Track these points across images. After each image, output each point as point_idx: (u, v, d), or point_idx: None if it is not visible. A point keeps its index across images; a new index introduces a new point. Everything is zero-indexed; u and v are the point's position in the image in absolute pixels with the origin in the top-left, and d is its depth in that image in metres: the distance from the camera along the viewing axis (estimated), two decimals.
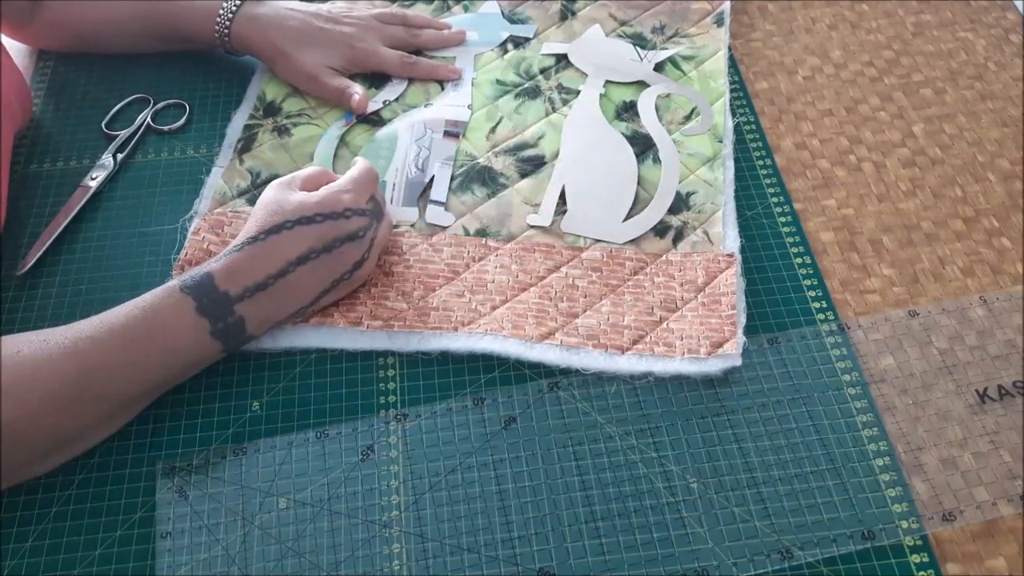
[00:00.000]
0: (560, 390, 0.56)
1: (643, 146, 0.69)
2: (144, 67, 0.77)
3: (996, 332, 0.58)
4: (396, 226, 0.65)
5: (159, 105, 0.74)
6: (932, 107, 0.73)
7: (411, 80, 0.75)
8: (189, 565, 0.50)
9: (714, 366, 0.56)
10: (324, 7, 0.76)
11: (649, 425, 0.54)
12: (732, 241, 0.63)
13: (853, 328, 0.59)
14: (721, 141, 0.69)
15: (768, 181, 0.68)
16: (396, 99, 0.74)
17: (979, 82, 0.75)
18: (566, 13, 0.80)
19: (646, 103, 0.72)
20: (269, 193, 0.58)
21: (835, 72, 0.76)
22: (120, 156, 0.70)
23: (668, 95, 0.73)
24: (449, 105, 0.73)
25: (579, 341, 0.58)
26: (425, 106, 0.73)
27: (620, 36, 0.78)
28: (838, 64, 0.77)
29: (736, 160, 0.69)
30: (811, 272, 0.62)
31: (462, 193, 0.67)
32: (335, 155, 0.69)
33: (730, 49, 0.77)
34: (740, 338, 0.57)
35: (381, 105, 0.73)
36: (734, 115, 0.72)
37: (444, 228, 0.65)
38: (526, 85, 0.75)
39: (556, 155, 0.69)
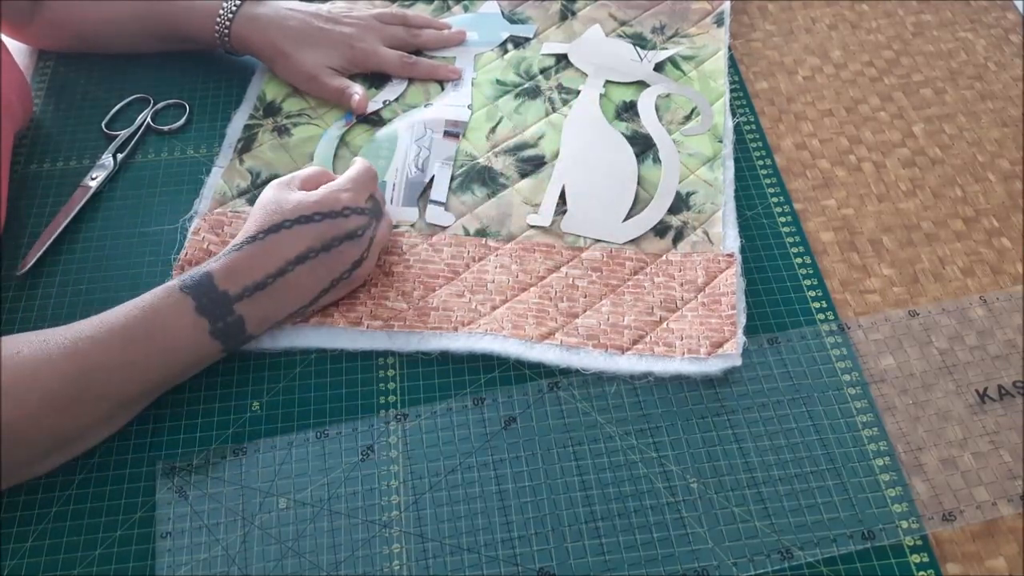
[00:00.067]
0: (560, 390, 0.56)
1: (643, 146, 0.69)
2: (144, 67, 0.77)
3: (996, 332, 0.58)
4: (396, 226, 0.65)
5: (159, 105, 0.74)
6: (932, 107, 0.73)
7: (411, 80, 0.75)
8: (189, 565, 0.50)
9: (714, 366, 0.56)
10: (324, 7, 0.76)
11: (649, 425, 0.54)
12: (732, 241, 0.63)
13: (853, 328, 0.59)
14: (721, 141, 0.69)
15: (768, 181, 0.68)
16: (396, 99, 0.74)
17: (979, 82, 0.75)
18: (566, 13, 0.80)
19: (646, 103, 0.72)
20: (268, 193, 0.58)
21: (835, 72, 0.76)
22: (120, 156, 0.70)
23: (668, 95, 0.73)
24: (449, 105, 0.73)
25: (579, 341, 0.58)
26: (425, 106, 0.73)
27: (620, 36, 0.78)
28: (838, 64, 0.77)
29: (736, 160, 0.69)
30: (811, 272, 0.62)
31: (462, 193, 0.67)
32: (335, 155, 0.69)
33: (730, 49, 0.77)
34: (740, 338, 0.57)
35: (381, 105, 0.73)
36: (734, 115, 0.72)
37: (444, 228, 0.65)
38: (526, 85, 0.75)
39: (556, 155, 0.69)
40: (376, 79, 0.75)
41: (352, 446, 0.54)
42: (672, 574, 0.49)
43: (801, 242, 0.64)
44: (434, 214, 0.65)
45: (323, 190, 0.58)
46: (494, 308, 0.60)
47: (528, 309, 0.59)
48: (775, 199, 0.67)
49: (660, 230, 0.64)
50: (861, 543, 0.50)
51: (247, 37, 0.72)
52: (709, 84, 0.73)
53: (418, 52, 0.77)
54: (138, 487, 0.53)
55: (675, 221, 0.64)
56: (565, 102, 0.73)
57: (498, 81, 0.75)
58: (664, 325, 0.58)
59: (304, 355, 0.58)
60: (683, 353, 0.57)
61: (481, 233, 0.64)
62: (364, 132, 0.71)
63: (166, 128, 0.72)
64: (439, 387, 0.57)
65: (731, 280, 0.60)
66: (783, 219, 0.65)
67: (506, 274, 0.61)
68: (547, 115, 0.72)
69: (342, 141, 0.70)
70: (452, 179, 0.68)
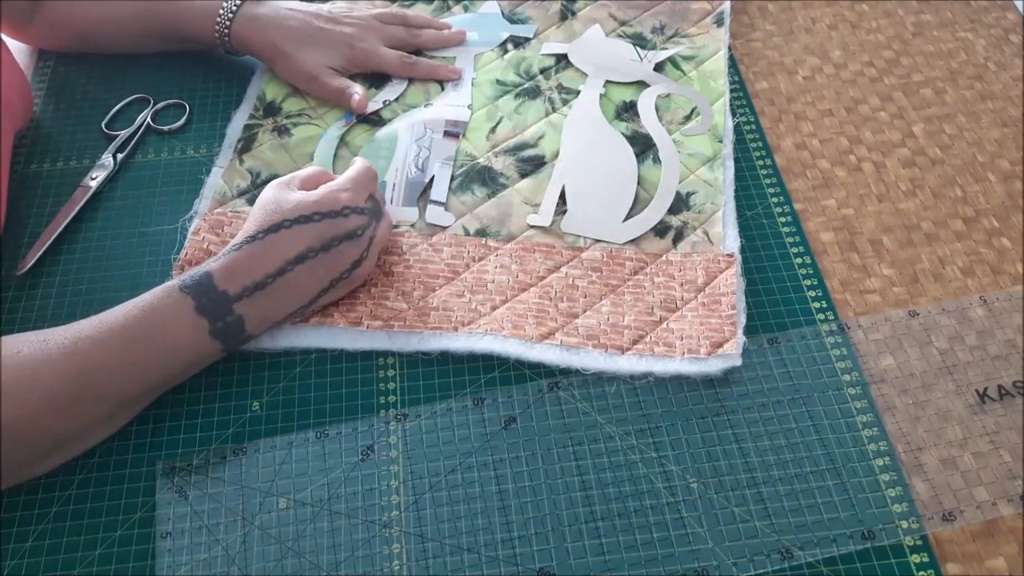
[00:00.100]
0: (560, 390, 0.56)
1: (643, 146, 0.69)
2: (144, 67, 0.77)
3: (996, 332, 0.58)
4: (396, 226, 0.65)
5: (159, 105, 0.74)
6: (932, 107, 0.73)
7: (411, 80, 0.75)
8: (189, 565, 0.50)
9: (714, 366, 0.56)
10: (324, 7, 0.76)
11: (649, 425, 0.54)
12: (732, 241, 0.63)
13: (853, 328, 0.59)
14: (721, 141, 0.69)
15: (768, 181, 0.68)
16: (396, 99, 0.74)
17: (979, 82, 0.75)
18: (566, 13, 0.80)
19: (646, 103, 0.72)
20: (268, 193, 0.58)
21: (835, 72, 0.76)
22: (120, 156, 0.70)
23: (668, 95, 0.73)
24: (449, 105, 0.73)
25: (579, 341, 0.58)
26: (425, 106, 0.73)
27: (620, 36, 0.78)
28: (838, 64, 0.77)
29: (736, 160, 0.69)
30: (811, 272, 0.62)
31: (462, 193, 0.67)
32: (335, 155, 0.69)
33: (730, 49, 0.77)
34: (740, 338, 0.57)
35: (381, 105, 0.73)
36: (734, 115, 0.72)
37: (444, 228, 0.65)
38: (526, 85, 0.75)
39: (556, 155, 0.69)
40: (376, 79, 0.75)
41: (352, 446, 0.54)
42: (672, 574, 0.49)
43: (801, 242, 0.64)
44: (434, 214, 0.65)
45: (322, 190, 0.58)
46: (494, 308, 0.60)
47: (528, 309, 0.59)
48: (775, 199, 0.67)
49: (660, 230, 0.64)
50: (861, 543, 0.50)
51: (247, 37, 0.72)
52: (709, 84, 0.73)
53: (418, 52, 0.77)
54: (138, 487, 0.53)
55: (675, 221, 0.64)
56: (565, 102, 0.73)
57: (498, 81, 0.75)
58: (664, 325, 0.58)
59: (304, 355, 0.58)
60: (683, 353, 0.57)
61: (481, 233, 0.64)
62: (364, 132, 0.71)
63: (166, 128, 0.72)
64: (439, 387, 0.57)
65: (731, 280, 0.60)
66: (783, 219, 0.65)
67: (506, 274, 0.61)
68: (547, 115, 0.72)
69: (342, 141, 0.70)
70: (452, 179, 0.68)
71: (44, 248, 0.63)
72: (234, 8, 0.72)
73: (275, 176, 0.64)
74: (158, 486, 0.53)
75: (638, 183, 0.67)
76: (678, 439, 0.54)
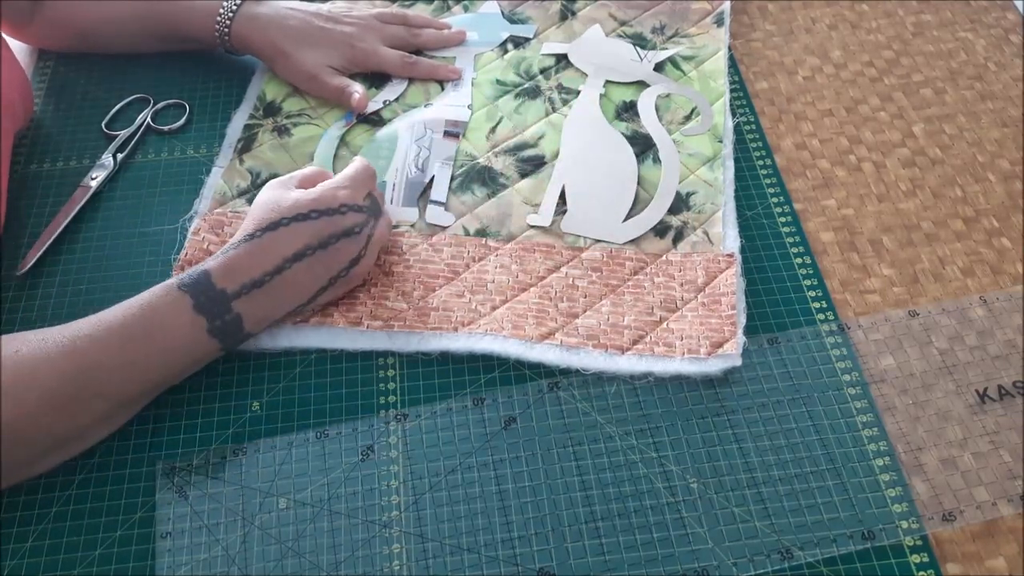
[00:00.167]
0: (560, 390, 0.56)
1: (643, 146, 0.69)
2: (144, 67, 0.77)
3: (996, 332, 0.58)
4: (396, 226, 0.65)
5: (159, 105, 0.74)
6: (932, 107, 0.73)
7: (411, 80, 0.75)
8: (189, 565, 0.50)
9: (714, 366, 0.56)
10: (324, 7, 0.76)
11: (649, 425, 0.54)
12: (732, 241, 0.63)
13: (853, 328, 0.59)
14: (721, 141, 0.69)
15: (768, 181, 0.68)
16: (396, 99, 0.74)
17: (979, 82, 0.75)
18: (566, 13, 0.80)
19: (646, 103, 0.72)
20: (266, 192, 0.58)
21: (835, 72, 0.76)
22: (120, 156, 0.70)
23: (668, 95, 0.73)
24: (449, 105, 0.73)
25: (579, 341, 0.58)
26: (425, 106, 0.73)
27: (620, 36, 0.78)
28: (838, 64, 0.77)
29: (736, 160, 0.69)
30: (811, 272, 0.62)
31: (462, 193, 0.67)
32: (335, 155, 0.69)
33: (730, 49, 0.77)
34: (740, 338, 0.57)
35: (381, 105, 0.73)
36: (734, 115, 0.72)
37: (444, 228, 0.65)
38: (526, 85, 0.75)
39: (556, 155, 0.69)
40: (376, 79, 0.75)
41: (352, 446, 0.54)
42: (672, 574, 0.49)
43: (801, 242, 0.64)
44: (434, 214, 0.65)
45: (320, 188, 0.58)
46: (494, 308, 0.60)
47: (528, 309, 0.59)
48: (775, 199, 0.67)
49: (660, 230, 0.64)
50: (861, 543, 0.50)
51: (247, 37, 0.72)
52: (709, 84, 0.73)
53: (418, 52, 0.77)
54: (138, 487, 0.53)
55: (675, 221, 0.64)
56: (565, 102, 0.73)
57: (498, 81, 0.75)
58: (664, 325, 0.58)
59: (304, 355, 0.58)
60: (683, 353, 0.57)
61: (481, 233, 0.64)
62: (364, 132, 0.71)
63: (166, 128, 0.72)
64: (439, 387, 0.57)
65: (731, 280, 0.60)
66: (783, 219, 0.65)
67: (506, 274, 0.61)
68: (547, 115, 0.72)
69: (342, 141, 0.70)
70: (452, 179, 0.68)
71: (44, 248, 0.63)
72: (234, 8, 0.72)
73: (275, 176, 0.64)
74: (158, 486, 0.53)
75: (638, 183, 0.67)
76: (678, 439, 0.54)
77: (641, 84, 0.74)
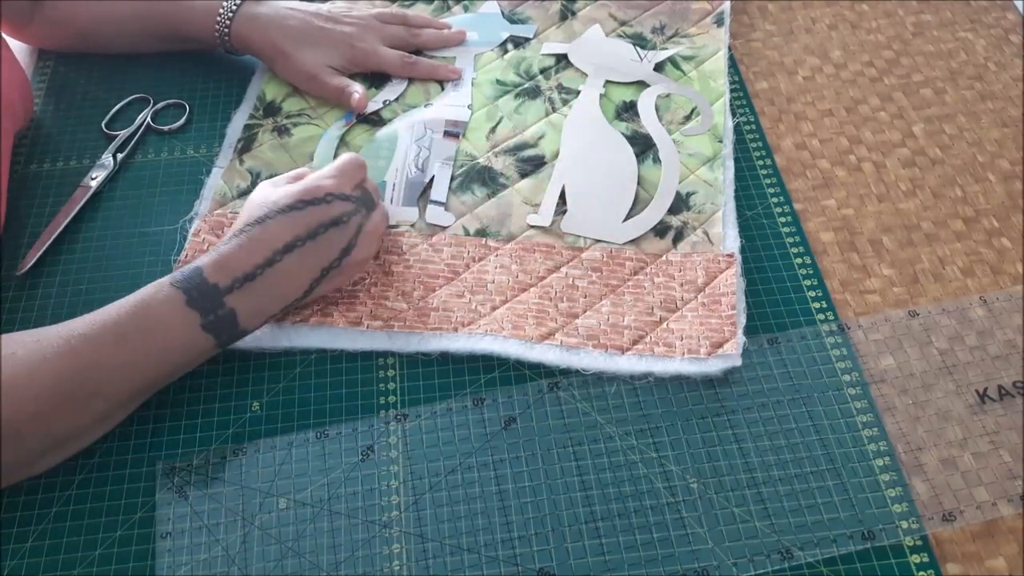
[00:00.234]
0: (560, 390, 0.56)
1: (643, 146, 0.69)
2: (144, 67, 0.77)
3: (996, 332, 0.58)
4: (396, 226, 0.65)
5: (159, 105, 0.74)
6: (932, 107, 0.73)
7: (411, 80, 0.75)
8: (189, 565, 0.50)
9: (714, 366, 0.56)
10: (324, 7, 0.76)
11: (649, 425, 0.54)
12: (732, 241, 0.63)
13: (853, 328, 0.59)
14: (721, 141, 0.69)
15: (768, 181, 0.68)
16: (396, 99, 0.74)
17: (979, 82, 0.75)
18: (566, 13, 0.80)
19: (646, 103, 0.72)
20: (257, 191, 0.59)
21: (835, 72, 0.76)
22: (120, 156, 0.70)
23: (668, 95, 0.73)
24: (449, 105, 0.73)
25: (579, 341, 0.58)
26: (425, 106, 0.73)
27: (620, 36, 0.78)
28: (838, 64, 0.77)
29: (736, 160, 0.69)
30: (811, 272, 0.62)
31: (462, 193, 0.67)
32: (335, 155, 0.69)
33: (730, 49, 0.77)
34: (740, 338, 0.57)
35: (381, 105, 0.73)
36: (734, 115, 0.72)
37: (444, 228, 0.65)
38: (526, 85, 0.75)
39: (556, 155, 0.69)
40: (376, 79, 0.75)
41: (352, 446, 0.54)
42: (672, 574, 0.49)
43: (801, 242, 0.64)
44: (434, 214, 0.65)
45: (306, 180, 0.59)
46: (494, 308, 0.60)
47: (528, 309, 0.59)
48: (775, 199, 0.67)
49: (660, 230, 0.64)
50: (861, 543, 0.50)
51: (247, 36, 0.72)
52: (709, 84, 0.73)
53: (418, 52, 0.77)
54: (138, 487, 0.53)
55: (675, 221, 0.64)
56: (565, 102, 0.73)
57: (498, 81, 0.75)
58: (664, 325, 0.58)
59: (304, 355, 0.58)
60: (683, 353, 0.57)
61: (481, 233, 0.64)
62: (364, 132, 0.71)
63: (166, 128, 0.72)
64: (439, 387, 0.57)
65: (731, 280, 0.60)
66: (783, 219, 0.65)
67: (506, 274, 0.61)
68: (547, 115, 0.72)
69: (342, 141, 0.70)
70: (452, 179, 0.68)
71: (44, 248, 0.63)
72: (234, 8, 0.72)
73: (275, 176, 0.64)
74: (158, 486, 0.53)
75: (638, 183, 0.67)
76: (678, 439, 0.54)
77: (641, 84, 0.74)
